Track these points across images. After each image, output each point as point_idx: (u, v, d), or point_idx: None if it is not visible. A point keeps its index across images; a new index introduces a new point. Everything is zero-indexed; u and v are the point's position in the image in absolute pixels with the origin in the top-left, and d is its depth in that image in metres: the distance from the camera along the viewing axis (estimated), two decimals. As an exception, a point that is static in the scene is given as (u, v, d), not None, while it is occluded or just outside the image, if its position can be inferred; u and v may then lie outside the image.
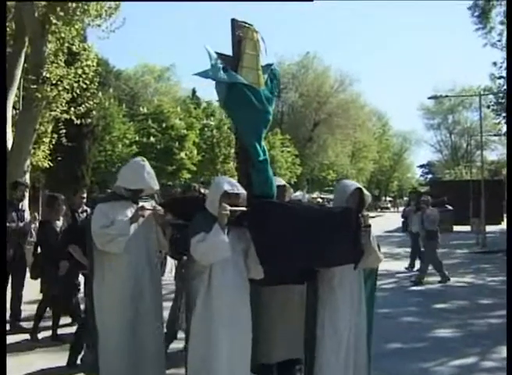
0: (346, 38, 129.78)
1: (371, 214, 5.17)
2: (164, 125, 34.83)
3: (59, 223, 7.96)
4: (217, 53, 5.03)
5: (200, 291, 4.51)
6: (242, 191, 4.62)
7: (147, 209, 5.18)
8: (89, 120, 18.79)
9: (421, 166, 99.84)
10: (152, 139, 33.78)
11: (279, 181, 5.76)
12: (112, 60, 69.89)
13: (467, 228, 30.98)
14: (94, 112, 20.49)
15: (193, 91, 49.82)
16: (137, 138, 32.84)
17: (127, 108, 36.93)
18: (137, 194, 5.27)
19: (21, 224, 8.40)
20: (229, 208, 4.46)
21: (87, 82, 15.26)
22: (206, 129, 38.98)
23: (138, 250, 5.10)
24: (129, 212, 5.15)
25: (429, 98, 34.09)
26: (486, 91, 26.75)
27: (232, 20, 5.20)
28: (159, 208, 5.24)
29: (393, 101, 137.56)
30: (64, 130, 16.04)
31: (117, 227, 4.98)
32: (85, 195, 8.60)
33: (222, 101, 5.12)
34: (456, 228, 34.19)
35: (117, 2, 14.88)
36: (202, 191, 6.89)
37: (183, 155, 34.14)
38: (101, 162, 29.41)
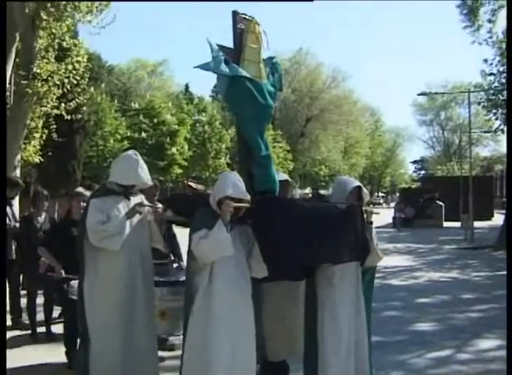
0: (339, 34, 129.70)
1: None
2: (155, 120, 34.97)
3: (41, 219, 7.82)
4: (218, 45, 4.91)
5: (200, 289, 4.37)
6: (245, 196, 4.42)
7: (145, 205, 5.09)
8: (80, 116, 18.78)
9: (414, 162, 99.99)
10: (144, 134, 33.94)
11: (282, 176, 5.68)
12: (105, 55, 69.75)
13: (458, 224, 31.18)
14: (84, 108, 20.50)
15: (186, 86, 49.91)
16: (129, 133, 32.94)
17: (119, 103, 36.97)
18: (130, 189, 5.13)
19: (16, 224, 8.12)
20: (233, 204, 4.32)
21: (78, 78, 15.29)
22: (197, 124, 39.15)
23: (131, 244, 4.94)
24: (122, 207, 5.00)
25: (419, 94, 34.11)
26: (477, 88, 26.79)
27: (234, 12, 5.10)
28: (159, 205, 5.19)
29: (386, 98, 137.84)
30: (55, 126, 16.09)
31: (113, 224, 4.86)
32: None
33: (223, 94, 5.01)
34: (446, 224, 34.48)
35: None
36: (199, 187, 6.83)
37: (174, 150, 34.31)
38: (92, 157, 29.45)
